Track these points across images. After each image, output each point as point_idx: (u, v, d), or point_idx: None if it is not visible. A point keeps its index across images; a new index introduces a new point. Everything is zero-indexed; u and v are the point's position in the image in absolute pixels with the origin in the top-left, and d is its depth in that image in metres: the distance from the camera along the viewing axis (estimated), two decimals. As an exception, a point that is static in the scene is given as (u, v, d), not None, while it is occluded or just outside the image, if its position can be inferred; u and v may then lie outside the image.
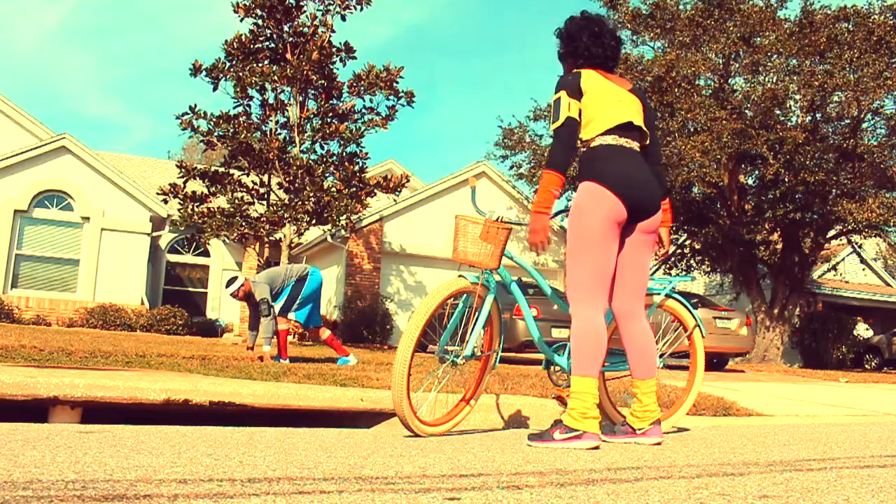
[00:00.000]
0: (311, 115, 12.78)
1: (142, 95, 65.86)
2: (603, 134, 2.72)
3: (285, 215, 12.22)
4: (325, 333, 7.08)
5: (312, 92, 12.92)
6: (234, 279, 6.95)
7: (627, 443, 2.80)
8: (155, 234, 16.94)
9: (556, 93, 2.72)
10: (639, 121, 2.79)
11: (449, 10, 77.32)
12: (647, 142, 2.84)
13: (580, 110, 2.72)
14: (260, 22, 12.48)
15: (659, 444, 2.78)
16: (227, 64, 12.39)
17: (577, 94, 2.70)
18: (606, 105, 2.73)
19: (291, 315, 6.97)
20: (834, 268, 21.04)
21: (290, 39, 12.54)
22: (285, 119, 12.98)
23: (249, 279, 6.98)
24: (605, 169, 2.69)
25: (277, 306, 6.93)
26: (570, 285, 2.70)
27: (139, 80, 65.79)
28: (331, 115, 12.72)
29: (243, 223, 12.29)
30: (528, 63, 74.98)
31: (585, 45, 2.83)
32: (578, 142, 2.76)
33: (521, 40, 76.15)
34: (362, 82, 12.73)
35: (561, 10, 67.08)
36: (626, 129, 2.75)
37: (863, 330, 20.31)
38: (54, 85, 63.77)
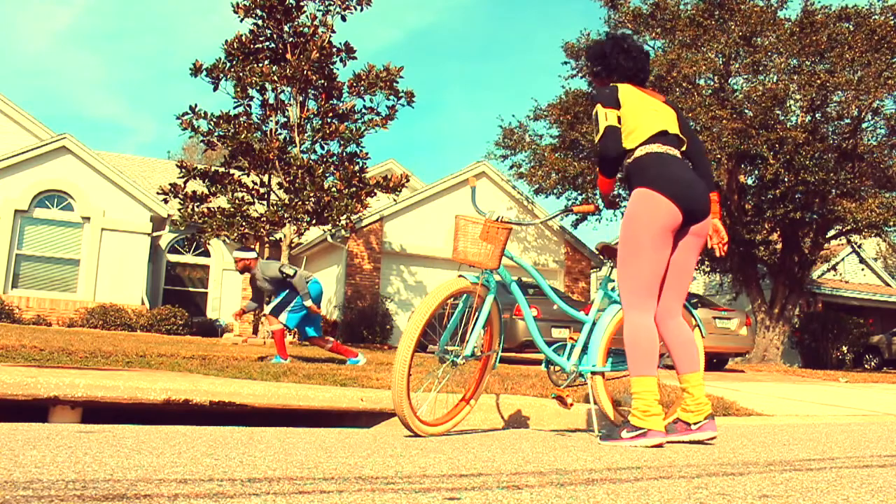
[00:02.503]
0: (312, 115, 12.78)
1: (147, 97, 66.00)
2: (645, 143, 2.81)
3: (285, 215, 12.22)
4: (328, 343, 7.03)
5: (312, 92, 12.93)
6: (249, 248, 7.12)
7: (683, 441, 2.81)
8: (155, 234, 16.94)
9: (594, 107, 2.84)
10: (675, 129, 2.89)
11: (454, 14, 77.38)
12: (685, 147, 2.94)
13: (619, 117, 2.82)
14: (260, 22, 12.49)
15: (714, 438, 2.82)
16: (228, 64, 12.40)
17: (614, 104, 2.82)
18: (644, 115, 2.83)
19: (283, 316, 6.94)
20: (834, 268, 21.03)
21: (290, 39, 12.54)
22: (285, 119, 12.99)
23: (259, 259, 7.06)
24: (658, 175, 2.77)
25: (273, 304, 6.94)
26: (625, 290, 2.79)
27: (146, 82, 65.94)
28: (331, 115, 12.72)
29: (243, 223, 12.29)
30: (529, 66, 75.03)
31: (617, 62, 2.96)
32: (631, 145, 2.86)
33: (523, 44, 76.21)
34: (362, 82, 12.73)
35: (561, 11, 67.09)
36: (665, 136, 2.85)
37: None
38: (62, 86, 63.93)
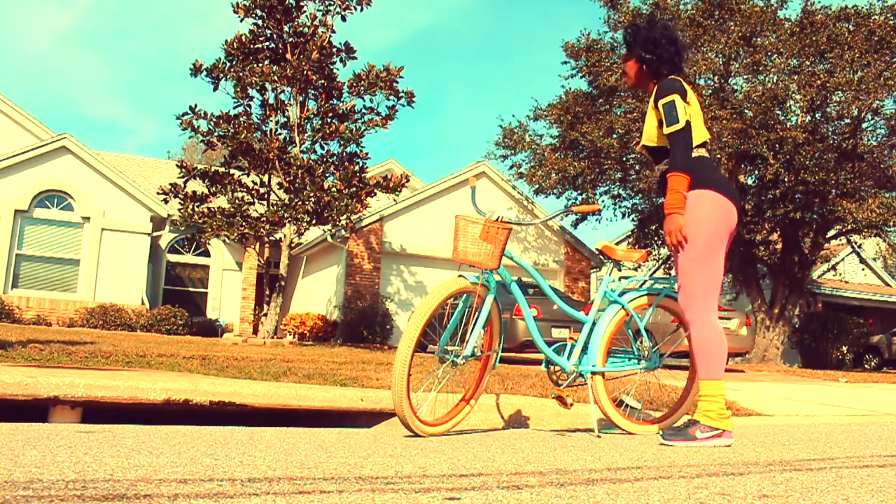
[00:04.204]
0: (311, 115, 12.78)
1: (148, 97, 66.03)
2: (699, 146, 2.85)
3: (285, 215, 12.22)
4: None
5: (312, 92, 12.92)
6: None
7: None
8: (155, 234, 16.95)
9: (667, 95, 2.79)
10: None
11: (454, 14, 77.36)
12: None
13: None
14: (260, 22, 12.48)
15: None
16: (228, 64, 12.39)
17: (685, 100, 2.82)
18: (700, 119, 2.88)
19: None
20: (833, 268, 21.03)
21: (290, 39, 12.54)
22: (285, 119, 12.98)
23: None
24: (718, 179, 2.83)
25: None
26: (692, 293, 2.79)
27: (146, 82, 65.99)
28: (331, 115, 12.71)
29: (243, 223, 12.29)
30: (529, 66, 75.01)
31: (671, 53, 2.93)
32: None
33: (523, 44, 76.18)
34: (362, 82, 12.72)
35: (561, 11, 67.03)
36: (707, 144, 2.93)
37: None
38: (62, 86, 64.00)
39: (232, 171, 13.13)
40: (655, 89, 2.88)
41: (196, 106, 12.16)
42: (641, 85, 3.04)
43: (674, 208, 2.75)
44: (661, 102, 2.80)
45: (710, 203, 2.77)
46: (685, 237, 2.76)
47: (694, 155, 2.82)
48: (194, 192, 12.68)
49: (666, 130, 2.78)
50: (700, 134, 2.85)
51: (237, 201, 12.54)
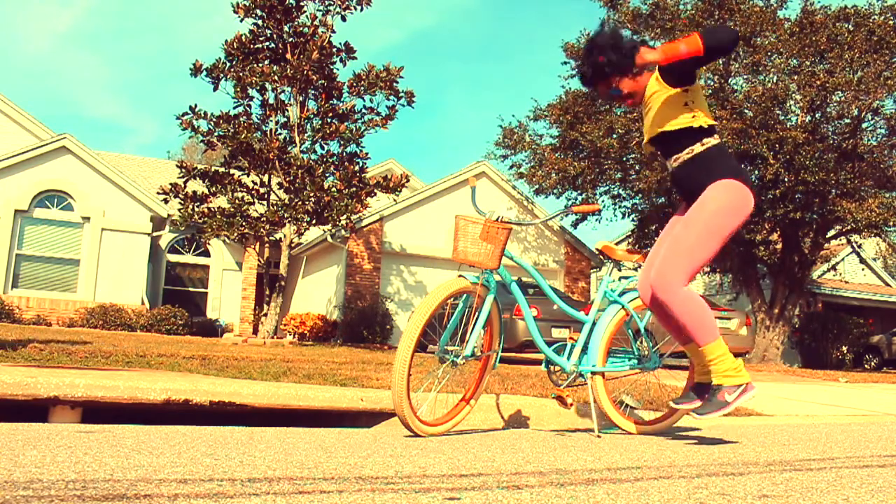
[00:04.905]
0: (312, 115, 12.78)
1: (148, 97, 66.06)
2: (712, 130, 2.84)
3: (285, 215, 12.21)
4: None
5: (312, 92, 12.92)
6: None
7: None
8: (155, 234, 16.95)
9: (680, 42, 2.63)
10: None
11: (454, 14, 77.38)
12: None
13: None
14: (260, 22, 12.48)
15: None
16: (228, 64, 12.39)
17: None
18: (706, 102, 2.87)
19: None
20: (833, 268, 21.04)
21: (290, 39, 12.53)
22: (285, 119, 12.98)
23: None
24: (743, 170, 2.82)
25: None
26: (685, 266, 2.74)
27: (146, 82, 66.01)
28: (331, 115, 12.71)
29: (243, 223, 12.28)
30: (529, 66, 75.01)
31: (629, 45, 2.83)
32: (705, 125, 2.78)
33: (523, 44, 76.18)
34: (362, 82, 12.72)
35: (561, 11, 67.05)
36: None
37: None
38: (62, 87, 64.01)
39: (232, 171, 13.12)
40: (660, 70, 2.78)
41: (196, 106, 12.16)
42: (641, 92, 2.89)
43: (665, 54, 2.60)
44: (680, 51, 2.60)
45: (741, 197, 2.75)
46: (644, 61, 2.65)
47: (717, 140, 2.81)
48: (194, 192, 12.68)
49: (705, 43, 2.57)
50: (709, 117, 2.82)
51: (237, 201, 12.53)
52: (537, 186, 16.47)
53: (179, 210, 12.82)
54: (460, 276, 2.91)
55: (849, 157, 14.41)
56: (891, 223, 14.40)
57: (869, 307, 22.59)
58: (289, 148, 12.59)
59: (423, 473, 1.85)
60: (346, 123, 12.71)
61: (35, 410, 3.27)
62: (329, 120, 12.70)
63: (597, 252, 14.51)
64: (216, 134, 12.27)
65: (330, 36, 12.74)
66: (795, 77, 13.73)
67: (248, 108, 12.66)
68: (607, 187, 16.97)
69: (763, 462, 2.33)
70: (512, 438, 2.88)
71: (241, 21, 12.44)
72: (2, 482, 1.47)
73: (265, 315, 13.14)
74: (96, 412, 3.36)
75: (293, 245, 14.31)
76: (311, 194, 11.87)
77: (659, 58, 2.63)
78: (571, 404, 3.03)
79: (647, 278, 2.94)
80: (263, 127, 12.84)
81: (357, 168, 12.59)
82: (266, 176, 13.02)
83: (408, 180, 13.24)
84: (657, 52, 2.64)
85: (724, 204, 2.73)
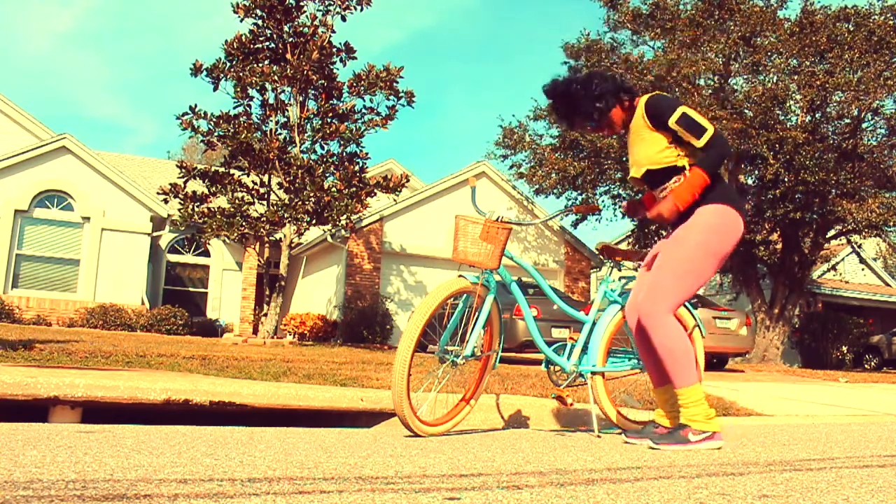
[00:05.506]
0: (312, 115, 12.78)
1: (148, 97, 66.06)
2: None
3: (285, 215, 12.21)
4: None
5: (312, 92, 12.92)
6: None
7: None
8: (155, 234, 16.94)
9: (674, 110, 2.68)
10: None
11: (454, 14, 77.39)
12: None
13: None
14: (260, 22, 12.48)
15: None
16: (228, 64, 12.39)
17: None
18: None
19: None
20: (833, 268, 21.04)
21: (290, 39, 12.53)
22: (285, 119, 12.98)
23: None
24: (734, 196, 2.79)
25: None
26: (670, 296, 2.67)
27: (146, 82, 66.02)
28: (331, 115, 12.71)
29: (243, 223, 12.28)
30: (529, 66, 74.99)
31: (614, 82, 2.88)
32: (688, 163, 2.74)
33: (523, 44, 76.18)
34: (362, 82, 12.72)
35: (561, 11, 67.04)
36: None
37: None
38: (63, 87, 64.01)
39: (232, 171, 13.12)
40: (646, 112, 2.75)
41: (196, 106, 12.16)
42: (620, 123, 2.90)
43: (679, 202, 2.66)
44: (672, 121, 2.67)
45: (729, 221, 2.70)
46: (667, 217, 2.71)
47: None
48: (194, 192, 12.68)
49: (699, 142, 2.64)
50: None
51: (237, 201, 12.53)
52: (537, 186, 16.47)
53: (179, 210, 12.82)
54: (460, 276, 2.91)
55: (849, 157, 14.41)
56: (891, 223, 14.41)
57: (869, 307, 22.59)
58: (289, 148, 12.59)
59: (423, 473, 1.85)
60: (346, 123, 12.71)
61: (35, 410, 3.27)
62: (329, 120, 12.70)
63: (597, 252, 14.51)
64: (216, 134, 12.27)
65: (330, 36, 12.75)
66: (795, 77, 13.74)
67: (248, 108, 12.66)
68: (607, 187, 16.97)
69: (763, 462, 2.33)
70: (512, 438, 2.88)
71: (241, 21, 12.44)
72: (2, 482, 1.47)
73: (265, 315, 13.14)
74: (96, 412, 3.36)
75: (293, 245, 14.30)
76: (311, 194, 11.87)
77: (671, 209, 2.69)
78: (571, 404, 3.04)
79: (635, 303, 2.88)
80: (263, 127, 12.84)
81: (357, 168, 12.58)
82: (266, 176, 13.02)
83: (408, 180, 13.24)
84: (675, 205, 2.68)
85: (712, 227, 2.68)
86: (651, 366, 2.92)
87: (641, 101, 2.80)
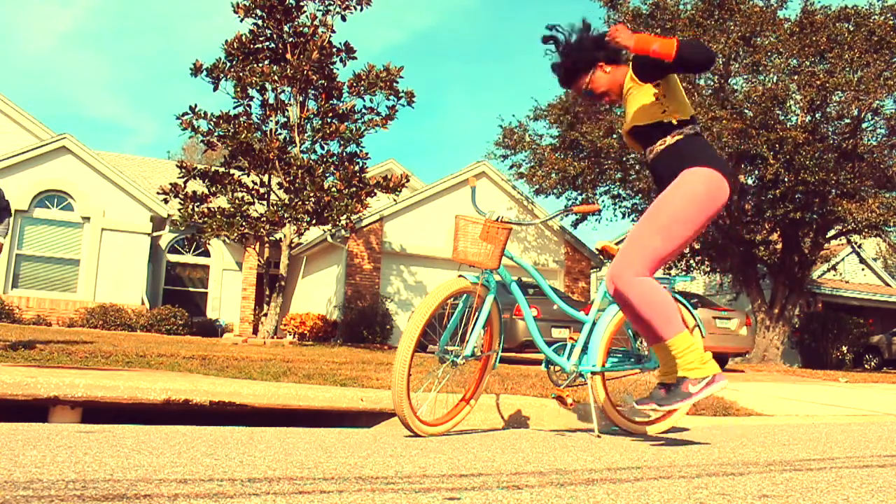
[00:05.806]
0: (312, 115, 12.78)
1: (148, 97, 66.08)
2: (692, 121, 2.76)
3: (285, 215, 12.21)
4: None
5: (312, 92, 12.92)
6: None
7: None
8: (155, 234, 16.94)
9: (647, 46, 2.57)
10: None
11: (455, 14, 77.40)
12: None
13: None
14: (260, 22, 12.48)
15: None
16: (228, 64, 12.39)
17: None
18: (683, 94, 2.81)
19: None
20: (833, 268, 21.04)
21: (290, 39, 12.53)
22: (285, 119, 12.98)
23: None
24: (720, 159, 2.73)
25: None
26: (648, 254, 2.61)
27: (146, 82, 66.04)
28: (331, 115, 12.71)
29: (243, 223, 12.28)
30: (529, 66, 75.06)
31: (594, 38, 2.84)
32: (674, 120, 2.71)
33: (523, 44, 76.19)
34: (362, 82, 12.72)
35: (561, 11, 67.02)
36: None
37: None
38: (63, 87, 64.03)
39: (232, 171, 13.12)
40: (633, 66, 2.74)
41: (196, 106, 12.16)
42: (617, 90, 2.86)
43: (639, 45, 2.56)
44: (648, 54, 2.59)
45: (715, 186, 2.64)
46: (616, 37, 2.59)
47: (689, 131, 2.72)
48: (194, 192, 12.68)
49: (672, 53, 2.53)
50: (687, 108, 2.76)
51: (237, 201, 12.53)
52: (537, 186, 16.47)
53: (179, 210, 12.82)
54: (460, 276, 2.91)
55: (849, 157, 14.41)
56: (891, 223, 14.41)
57: (869, 307, 22.58)
58: (289, 148, 12.59)
59: (423, 473, 1.85)
60: (346, 123, 12.71)
61: (35, 410, 3.27)
62: (329, 120, 12.70)
63: (597, 252, 14.52)
64: (216, 134, 12.27)
65: (330, 36, 12.75)
66: (795, 77, 13.74)
67: (248, 108, 12.66)
68: (607, 187, 16.97)
69: (763, 462, 2.33)
70: (512, 438, 2.88)
71: (241, 21, 12.44)
72: (2, 482, 1.47)
73: (265, 315, 13.14)
74: (96, 412, 3.36)
75: (293, 245, 14.31)
76: (311, 194, 11.87)
77: (629, 44, 2.59)
78: (571, 404, 3.04)
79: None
80: (263, 127, 12.84)
81: (357, 168, 12.58)
82: (266, 176, 13.02)
83: (408, 180, 13.24)
84: (631, 39, 2.59)
85: (694, 191, 2.62)
86: (641, 328, 2.81)
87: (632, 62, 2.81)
